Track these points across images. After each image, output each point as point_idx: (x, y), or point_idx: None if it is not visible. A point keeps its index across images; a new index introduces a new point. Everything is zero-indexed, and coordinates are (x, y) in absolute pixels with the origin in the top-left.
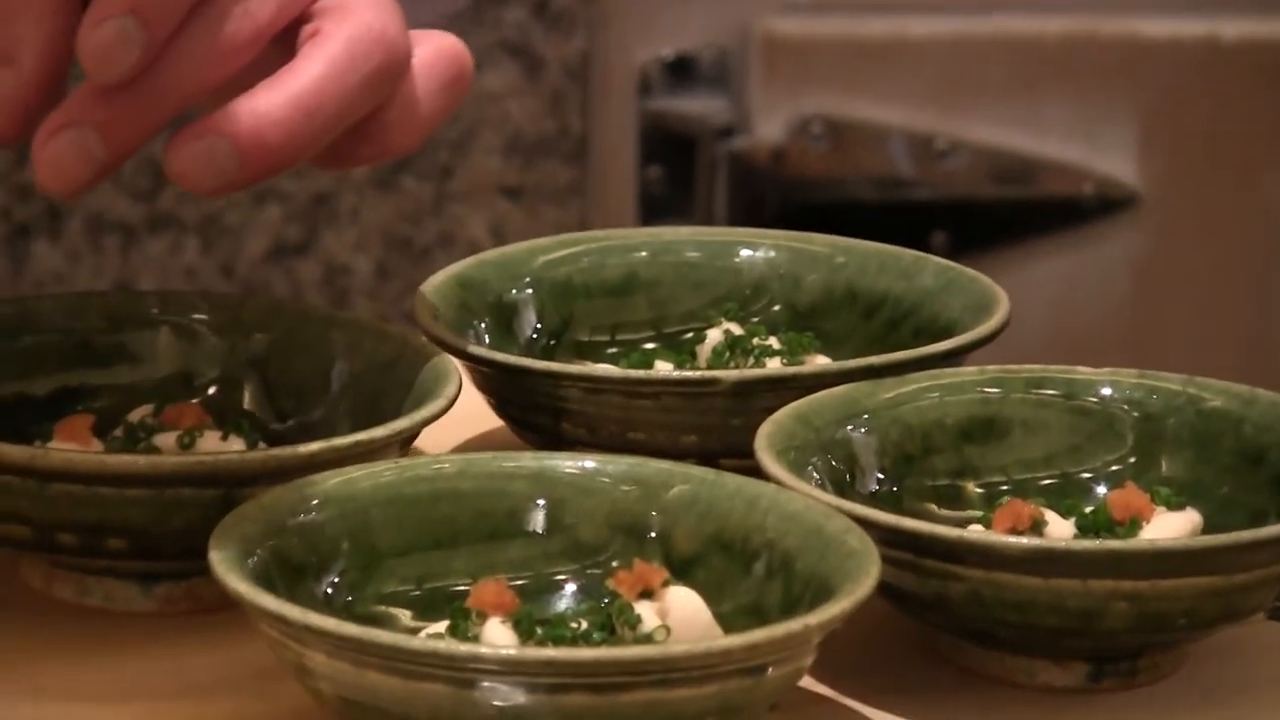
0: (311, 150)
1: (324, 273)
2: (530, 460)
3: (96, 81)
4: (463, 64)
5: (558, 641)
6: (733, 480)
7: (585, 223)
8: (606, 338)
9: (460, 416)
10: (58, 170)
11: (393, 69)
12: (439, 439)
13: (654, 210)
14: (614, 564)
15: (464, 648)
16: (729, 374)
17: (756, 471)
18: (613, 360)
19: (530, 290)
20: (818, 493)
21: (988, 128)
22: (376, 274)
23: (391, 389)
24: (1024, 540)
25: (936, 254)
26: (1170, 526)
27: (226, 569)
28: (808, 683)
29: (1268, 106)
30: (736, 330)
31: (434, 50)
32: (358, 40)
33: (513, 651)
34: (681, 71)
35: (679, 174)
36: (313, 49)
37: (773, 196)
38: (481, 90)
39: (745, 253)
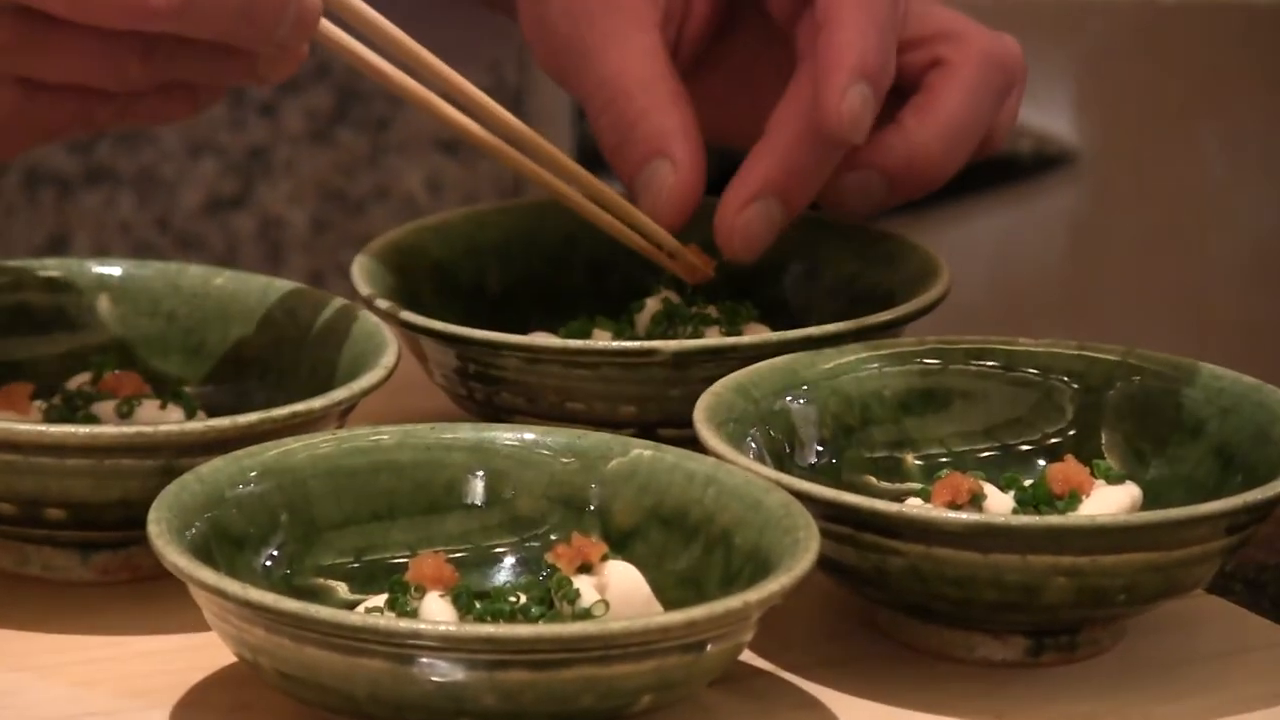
0: (953, 172)
1: (259, 226)
2: (469, 432)
3: (848, 141)
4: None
5: (496, 616)
6: (672, 454)
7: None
8: (546, 303)
9: (398, 383)
10: (748, 240)
11: (1012, 86)
12: (376, 407)
13: (591, 164)
14: (553, 537)
15: (403, 624)
16: (668, 344)
17: (695, 441)
18: (551, 328)
19: (469, 258)
20: (757, 466)
21: None
22: (312, 227)
23: (329, 356)
24: (963, 515)
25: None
26: (1109, 500)
27: (165, 542)
28: (747, 656)
29: (1205, 65)
30: (674, 298)
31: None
32: (986, 67)
33: (452, 628)
34: None
35: None
36: (949, 79)
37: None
38: None
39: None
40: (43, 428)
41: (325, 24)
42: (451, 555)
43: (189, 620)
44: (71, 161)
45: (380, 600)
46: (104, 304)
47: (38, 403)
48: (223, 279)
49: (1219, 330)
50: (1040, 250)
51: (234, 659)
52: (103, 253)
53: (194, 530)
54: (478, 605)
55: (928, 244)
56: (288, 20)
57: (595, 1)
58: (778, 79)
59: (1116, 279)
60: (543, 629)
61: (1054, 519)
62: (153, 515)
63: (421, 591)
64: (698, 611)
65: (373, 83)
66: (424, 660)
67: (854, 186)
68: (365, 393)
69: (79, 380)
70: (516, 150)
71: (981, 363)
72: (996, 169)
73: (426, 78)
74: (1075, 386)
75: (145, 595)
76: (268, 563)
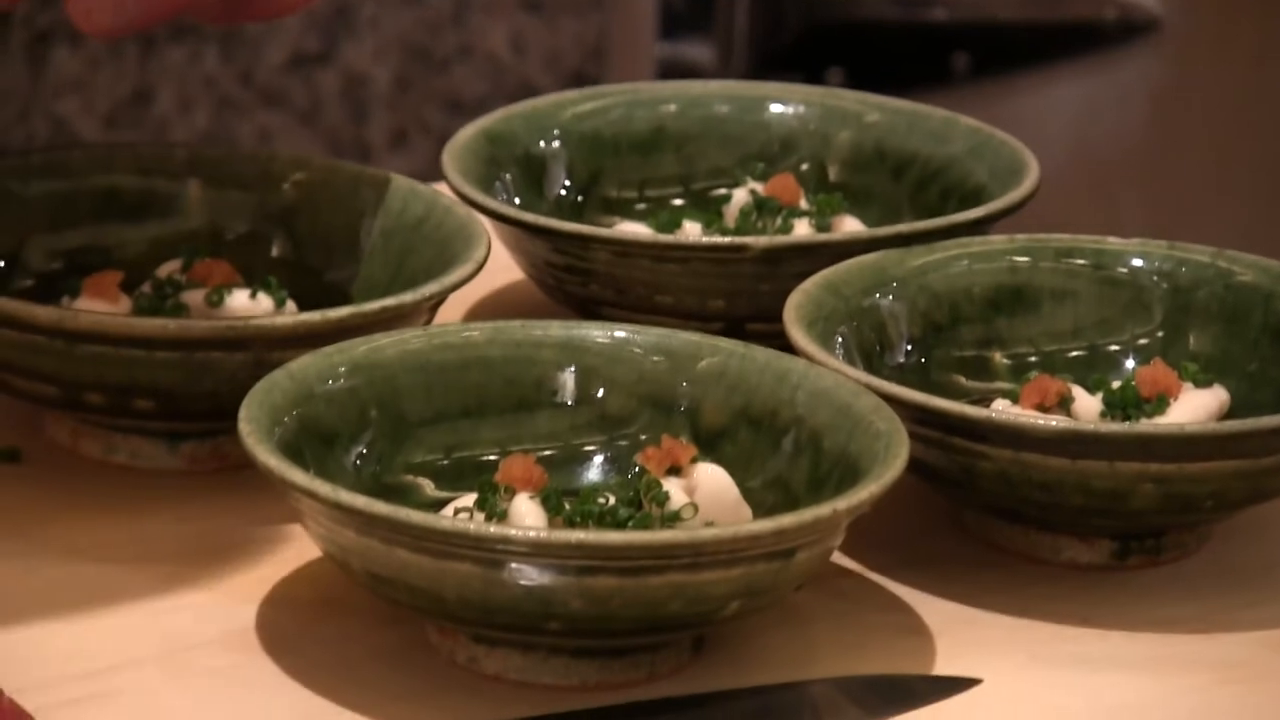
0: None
1: (343, 83)
2: (559, 329)
3: None
4: None
5: (585, 518)
6: (762, 354)
7: (604, 36)
8: (635, 194)
9: (488, 272)
10: (87, 15)
11: None
12: (465, 293)
13: (674, 26)
14: (642, 437)
15: (493, 529)
16: (758, 240)
17: (784, 336)
18: (641, 217)
19: (559, 144)
20: (846, 368)
21: None
22: (395, 85)
23: (420, 247)
24: (1052, 421)
25: (957, 76)
26: (1197, 404)
27: (256, 441)
28: (833, 555)
29: None
30: (761, 190)
31: None
32: None
33: (541, 534)
34: None
35: None
36: None
37: (794, 15)
38: None
39: (775, 108)
40: (133, 320)
41: None
42: (540, 454)
43: (276, 512)
44: None
45: (470, 500)
46: (194, 189)
47: (128, 292)
48: (313, 166)
49: None
50: (1121, 119)
51: (319, 553)
52: (186, 108)
53: (284, 426)
54: (566, 506)
55: (1012, 116)
56: None
57: None
58: None
59: (1198, 150)
60: (632, 536)
61: (1141, 427)
62: (243, 414)
63: (511, 492)
64: (787, 520)
65: None
66: (513, 565)
67: None
68: (455, 287)
69: (169, 268)
70: None
71: (1071, 261)
72: (1080, 36)
73: None
74: (1165, 286)
75: (232, 485)
76: (357, 460)
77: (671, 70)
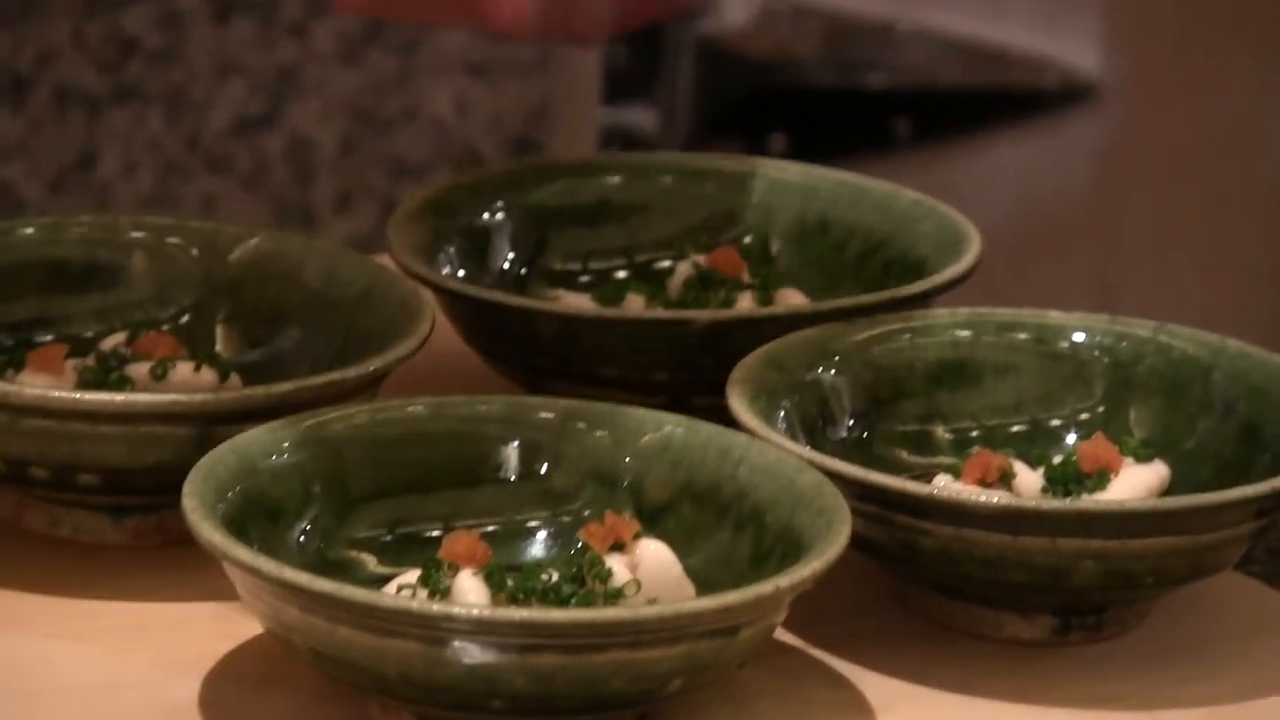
0: None
1: (288, 146)
2: (503, 404)
3: None
4: None
5: (529, 595)
6: (705, 429)
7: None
8: (579, 265)
9: (432, 341)
10: None
11: None
12: (410, 365)
13: (617, 90)
14: (585, 513)
15: (436, 607)
16: (701, 314)
17: (728, 410)
18: (585, 289)
19: (503, 215)
20: (789, 443)
21: (950, 15)
22: (341, 147)
23: (365, 319)
24: (994, 498)
25: (898, 141)
26: (1138, 479)
27: (200, 518)
28: (776, 630)
29: None
30: (704, 263)
31: None
32: None
33: (485, 612)
34: None
35: (643, 54)
36: None
37: (737, 80)
38: None
39: (719, 181)
40: (77, 395)
41: None
42: (484, 529)
43: (220, 587)
44: (100, 80)
45: (413, 576)
46: (140, 261)
47: (72, 362)
48: (259, 238)
49: (1245, 264)
50: (1064, 184)
51: (262, 629)
52: (131, 171)
53: (228, 502)
54: (510, 583)
55: (954, 180)
56: None
57: None
58: None
59: (1141, 213)
60: (575, 614)
61: (1083, 504)
62: (187, 489)
63: (455, 569)
64: (730, 598)
65: None
66: (456, 643)
67: None
68: (399, 361)
69: (113, 341)
70: None
71: (1012, 335)
72: (1021, 101)
73: None
74: (1106, 361)
75: (177, 559)
76: (301, 536)
77: (614, 134)
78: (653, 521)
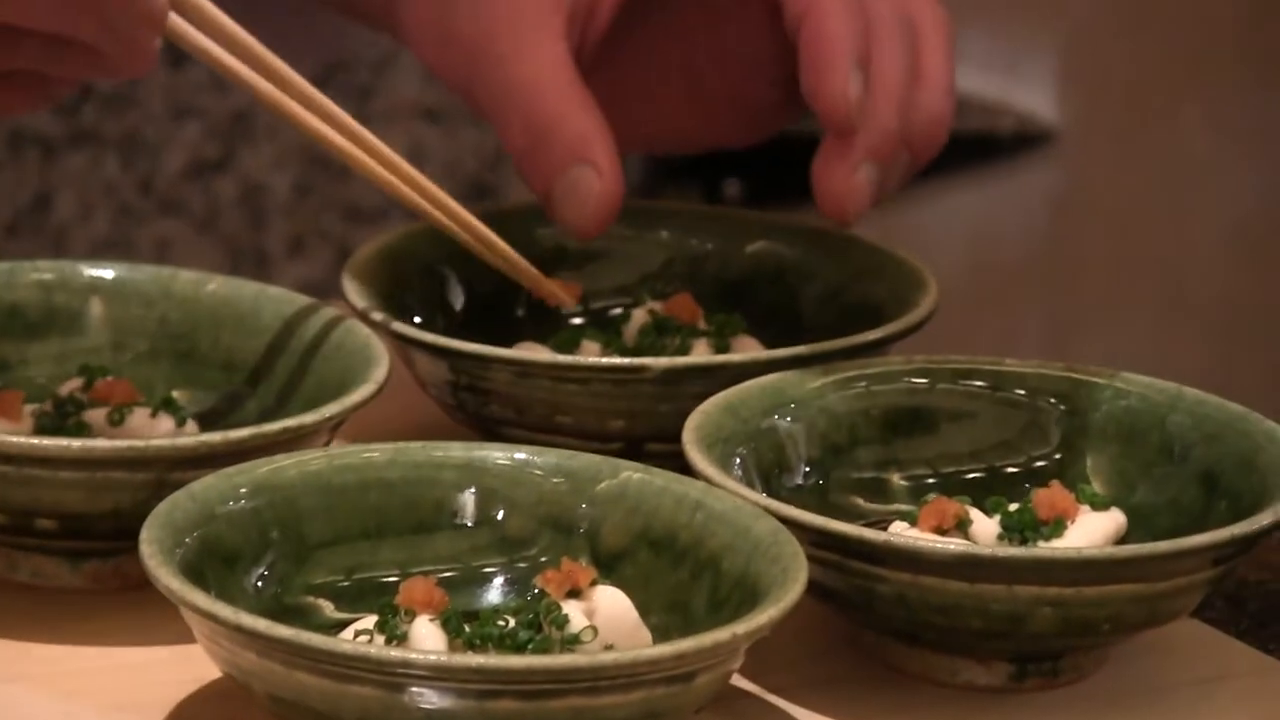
0: None
1: (241, 190)
2: (459, 450)
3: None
4: None
5: (485, 641)
6: (661, 476)
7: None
8: (536, 312)
9: (389, 387)
10: (859, 204)
11: None
12: (366, 411)
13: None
14: (542, 559)
15: (394, 653)
16: (657, 362)
17: (683, 457)
18: (540, 337)
19: (459, 262)
20: (745, 490)
21: None
22: (294, 192)
23: (321, 366)
24: (950, 545)
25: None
26: (1094, 527)
27: (158, 564)
28: (731, 677)
29: (1187, 45)
30: (660, 310)
31: None
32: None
33: (442, 657)
34: None
35: None
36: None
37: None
38: None
39: (674, 227)
40: (35, 440)
41: (177, 21)
42: (441, 575)
43: (178, 631)
44: (56, 123)
45: (370, 622)
46: (96, 307)
47: (29, 407)
48: (215, 284)
49: (1199, 311)
50: (1020, 229)
51: (220, 673)
52: (86, 215)
53: (186, 548)
54: (467, 629)
55: (910, 225)
56: (128, 14)
57: (503, 11)
58: (670, 80)
59: (1096, 259)
60: (532, 660)
61: (1039, 551)
62: (145, 535)
63: (411, 615)
64: (686, 644)
65: (359, 49)
66: (413, 689)
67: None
68: (356, 408)
69: (70, 386)
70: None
71: (969, 383)
72: (976, 147)
73: (278, 83)
74: (1062, 408)
75: (135, 604)
76: (258, 581)
77: None
78: (609, 568)
